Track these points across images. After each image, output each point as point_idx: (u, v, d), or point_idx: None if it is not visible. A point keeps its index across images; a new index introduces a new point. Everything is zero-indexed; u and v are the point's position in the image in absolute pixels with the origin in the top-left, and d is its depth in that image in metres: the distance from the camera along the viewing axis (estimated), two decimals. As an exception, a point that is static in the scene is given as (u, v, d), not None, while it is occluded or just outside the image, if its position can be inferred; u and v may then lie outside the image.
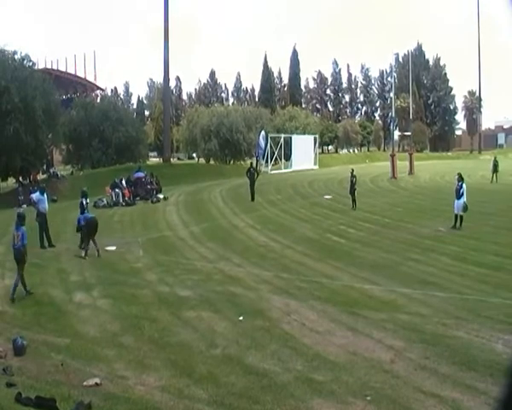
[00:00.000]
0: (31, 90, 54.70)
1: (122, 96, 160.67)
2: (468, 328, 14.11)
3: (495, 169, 51.07)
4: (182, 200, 44.94)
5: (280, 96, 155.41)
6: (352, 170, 37.65)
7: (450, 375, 11.56)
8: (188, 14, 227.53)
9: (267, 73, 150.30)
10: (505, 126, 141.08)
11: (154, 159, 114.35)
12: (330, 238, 27.87)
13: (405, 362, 12.30)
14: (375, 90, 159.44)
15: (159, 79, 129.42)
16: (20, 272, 18.46)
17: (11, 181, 64.11)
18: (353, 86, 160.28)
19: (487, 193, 40.89)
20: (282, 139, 76.97)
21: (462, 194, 28.09)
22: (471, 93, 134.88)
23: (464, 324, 14.48)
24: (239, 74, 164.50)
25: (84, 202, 26.73)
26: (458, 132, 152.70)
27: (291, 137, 78.76)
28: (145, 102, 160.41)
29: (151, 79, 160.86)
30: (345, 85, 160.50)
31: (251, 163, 48.85)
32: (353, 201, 36.47)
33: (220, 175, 65.07)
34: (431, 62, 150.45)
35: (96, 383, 11.36)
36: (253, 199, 41.31)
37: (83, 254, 24.82)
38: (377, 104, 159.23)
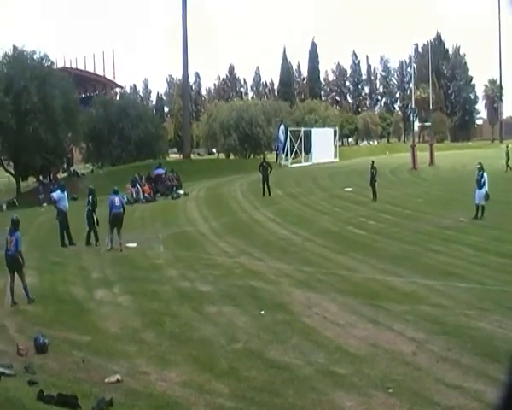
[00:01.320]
0: (50, 89, 55.07)
1: (141, 93, 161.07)
2: (490, 319, 13.99)
3: (508, 158, 50.79)
4: (202, 195, 45.01)
5: (299, 90, 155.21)
6: (373, 162, 37.41)
7: (473, 366, 11.48)
8: (206, 10, 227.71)
9: (286, 66, 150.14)
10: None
11: (173, 155, 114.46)
12: (351, 231, 27.75)
13: (427, 354, 12.23)
14: (394, 81, 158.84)
15: (178, 75, 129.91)
16: (22, 277, 18.15)
17: (31, 180, 64.50)
18: (373, 78, 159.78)
19: (509, 182, 40.53)
20: (302, 132, 76.62)
21: (484, 183, 27.86)
22: (492, 82, 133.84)
23: (487, 315, 14.36)
24: (258, 68, 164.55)
25: (90, 199, 27.17)
26: (479, 122, 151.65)
27: (311, 130, 78.30)
28: (164, 98, 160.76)
29: (170, 76, 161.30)
30: (364, 77, 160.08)
31: (263, 157, 48.39)
32: (374, 193, 36.26)
33: (240, 169, 64.95)
34: (450, 52, 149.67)
35: (118, 380, 11.39)
36: (263, 194, 40.91)
37: (108, 247, 25.79)
38: (397, 95, 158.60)
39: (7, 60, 57.60)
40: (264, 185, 41.10)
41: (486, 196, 27.82)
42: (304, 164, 72.42)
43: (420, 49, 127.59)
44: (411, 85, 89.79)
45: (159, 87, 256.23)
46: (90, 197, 27.24)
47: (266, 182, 41.08)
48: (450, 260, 20.60)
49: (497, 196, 30.81)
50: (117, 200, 26.84)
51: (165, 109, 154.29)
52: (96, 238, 27.05)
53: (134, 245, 26.56)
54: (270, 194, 40.96)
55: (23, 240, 19.23)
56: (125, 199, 41.50)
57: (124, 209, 27.10)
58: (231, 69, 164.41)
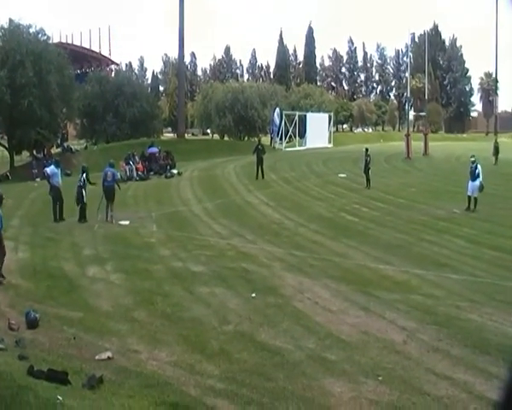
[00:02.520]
0: (45, 64, 54.72)
1: (137, 72, 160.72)
2: (481, 311, 14.04)
3: (496, 151, 51.13)
4: (196, 175, 44.98)
5: (295, 74, 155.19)
6: (367, 149, 37.41)
7: (463, 358, 11.52)
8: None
9: (282, 49, 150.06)
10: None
11: (168, 134, 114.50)
12: (344, 217, 27.80)
13: (418, 343, 12.26)
14: (390, 69, 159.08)
15: (174, 54, 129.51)
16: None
17: (25, 155, 64.29)
18: (369, 65, 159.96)
19: (502, 176, 40.60)
20: (297, 117, 76.67)
21: (478, 175, 27.90)
22: (487, 75, 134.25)
23: (478, 307, 14.41)
24: (254, 51, 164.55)
25: (82, 178, 27.24)
26: (474, 114, 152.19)
27: (306, 115, 78.39)
28: (160, 77, 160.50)
29: (166, 55, 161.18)
30: (360, 64, 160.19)
31: (259, 140, 48.29)
32: (367, 180, 36.30)
33: (234, 151, 64.87)
34: (447, 43, 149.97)
35: (109, 357, 11.39)
36: (257, 177, 40.88)
37: (108, 219, 26.92)
38: (392, 84, 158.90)
39: (2, 33, 57.17)
40: (258, 168, 41.04)
41: (481, 187, 27.89)
42: (298, 148, 72.58)
43: (416, 39, 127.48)
44: (407, 75, 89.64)
45: (154, 66, 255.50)
46: (84, 175, 27.23)
47: (260, 165, 41.02)
48: (443, 250, 20.65)
49: (489, 189, 30.90)
50: (109, 174, 27.50)
51: (161, 88, 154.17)
52: (84, 216, 27.01)
53: (127, 223, 26.56)
54: (263, 177, 40.89)
55: (16, 215, 19.06)
56: (119, 176, 41.62)
57: (117, 184, 27.89)
58: (227, 50, 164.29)
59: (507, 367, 8.01)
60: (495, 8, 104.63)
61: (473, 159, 28.71)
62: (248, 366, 11.24)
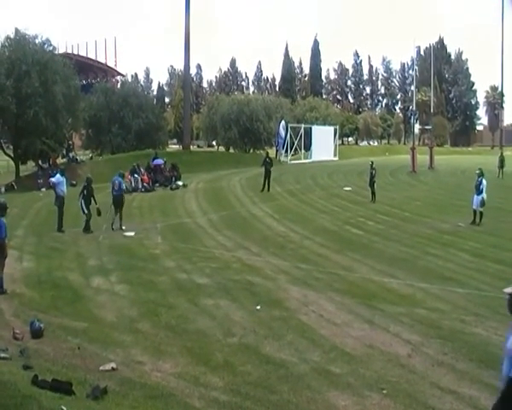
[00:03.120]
0: (51, 74, 54.78)
1: (142, 83, 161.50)
2: (486, 325, 14.02)
3: (501, 164, 51.33)
4: (201, 187, 45.02)
5: (300, 87, 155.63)
6: (372, 162, 37.47)
7: (468, 372, 11.49)
8: (209, 2, 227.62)
9: (288, 62, 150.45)
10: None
11: (173, 146, 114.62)
12: (349, 230, 27.77)
13: (422, 357, 12.23)
14: (396, 82, 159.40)
15: (179, 66, 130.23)
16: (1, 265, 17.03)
17: (30, 164, 64.37)
18: (374, 78, 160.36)
19: (507, 189, 40.60)
20: (302, 129, 76.79)
21: (482, 189, 27.92)
22: (493, 88, 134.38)
23: (483, 320, 14.39)
24: (260, 63, 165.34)
25: (84, 190, 27.50)
26: (479, 128, 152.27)
27: (311, 128, 78.50)
28: (165, 88, 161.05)
29: (172, 66, 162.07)
30: (366, 77, 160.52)
31: (267, 153, 48.58)
32: (373, 193, 36.31)
33: (239, 164, 64.97)
34: (453, 56, 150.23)
35: (113, 368, 11.37)
36: (263, 190, 41.07)
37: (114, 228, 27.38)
38: (398, 97, 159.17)
39: (9, 43, 57.26)
40: (265, 181, 41.18)
41: (482, 203, 27.87)
42: (303, 161, 72.70)
43: (422, 52, 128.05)
44: (413, 88, 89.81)
45: (160, 77, 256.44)
46: (85, 188, 27.52)
47: (268, 178, 41.22)
48: (448, 264, 20.61)
49: (495, 202, 30.90)
50: (116, 183, 28.16)
51: (166, 100, 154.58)
52: (87, 227, 27.12)
53: (132, 234, 26.60)
54: (269, 190, 41.00)
55: (21, 224, 19.07)
56: (124, 187, 41.67)
57: (122, 194, 28.43)
58: (233, 63, 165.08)
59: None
60: (501, 22, 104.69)
61: (478, 172, 28.69)
62: (253, 379, 11.22)
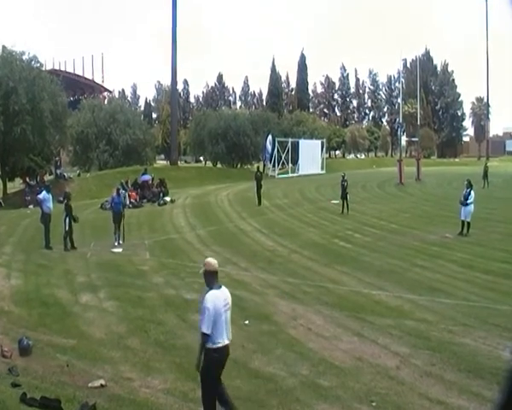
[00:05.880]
0: (38, 91, 54.70)
1: (130, 99, 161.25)
2: (474, 335, 14.07)
3: (485, 175, 51.78)
4: (189, 203, 44.99)
5: (287, 101, 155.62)
6: (344, 175, 38.06)
7: (457, 382, 11.52)
8: (196, 18, 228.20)
9: (275, 77, 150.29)
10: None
11: (161, 161, 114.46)
12: (337, 243, 27.84)
13: (411, 369, 12.26)
14: (382, 95, 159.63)
15: (166, 81, 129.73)
16: None
17: (18, 182, 64.25)
18: (361, 91, 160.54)
19: (494, 200, 40.77)
20: (290, 143, 76.96)
21: (470, 200, 28.04)
22: (479, 99, 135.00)
23: (471, 331, 14.44)
24: (247, 78, 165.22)
25: (64, 205, 28.03)
26: (466, 139, 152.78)
27: (298, 142, 78.68)
28: (153, 104, 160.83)
29: (159, 82, 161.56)
30: (352, 90, 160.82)
31: (258, 167, 48.77)
32: (346, 205, 36.69)
33: (227, 178, 65.09)
34: (439, 68, 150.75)
35: (102, 385, 11.34)
36: (259, 203, 41.31)
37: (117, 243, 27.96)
38: (385, 110, 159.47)
39: (-4, 60, 57.20)
40: (258, 194, 41.41)
41: (470, 213, 28.05)
42: (291, 175, 72.82)
43: (408, 65, 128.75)
44: (399, 100, 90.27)
45: (147, 93, 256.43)
46: (64, 203, 27.99)
47: (259, 190, 41.41)
48: (436, 275, 20.70)
49: (482, 213, 31.06)
50: (115, 199, 29.34)
51: (154, 115, 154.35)
52: (65, 244, 27.05)
53: (120, 250, 26.58)
54: (259, 203, 41.14)
55: (8, 242, 19.02)
56: (108, 205, 41.83)
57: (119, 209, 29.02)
58: (220, 78, 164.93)
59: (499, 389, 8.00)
60: (485, 33, 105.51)
61: (466, 183, 28.83)
62: (242, 393, 11.19)
